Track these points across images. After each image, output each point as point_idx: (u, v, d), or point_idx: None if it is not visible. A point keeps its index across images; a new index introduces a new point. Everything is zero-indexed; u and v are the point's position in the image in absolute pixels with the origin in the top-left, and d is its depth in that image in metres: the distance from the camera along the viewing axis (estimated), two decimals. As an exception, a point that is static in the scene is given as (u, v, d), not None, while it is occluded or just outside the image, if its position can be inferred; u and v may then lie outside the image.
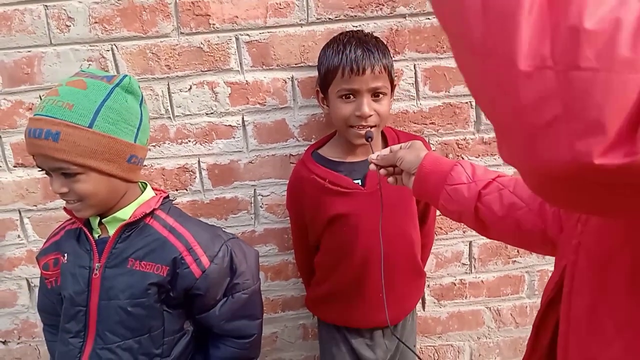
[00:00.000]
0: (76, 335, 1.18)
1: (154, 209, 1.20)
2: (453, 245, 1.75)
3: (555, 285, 0.78)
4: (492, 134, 1.62)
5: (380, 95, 1.36)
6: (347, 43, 1.34)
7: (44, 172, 1.13)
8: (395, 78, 1.49)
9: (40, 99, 1.52)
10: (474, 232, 1.67)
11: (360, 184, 1.42)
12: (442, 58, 1.55)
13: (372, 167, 1.15)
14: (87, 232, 1.17)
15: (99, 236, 1.20)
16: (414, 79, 1.57)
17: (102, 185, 1.12)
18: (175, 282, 1.18)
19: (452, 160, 1.06)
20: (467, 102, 1.60)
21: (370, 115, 1.34)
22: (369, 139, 1.32)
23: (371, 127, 1.35)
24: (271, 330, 1.81)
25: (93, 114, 1.08)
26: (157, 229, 1.19)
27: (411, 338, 1.63)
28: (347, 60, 1.32)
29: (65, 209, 1.21)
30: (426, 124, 1.61)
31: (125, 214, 1.17)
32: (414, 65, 1.55)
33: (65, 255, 1.19)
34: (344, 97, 1.35)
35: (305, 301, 1.65)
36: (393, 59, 1.51)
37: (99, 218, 1.19)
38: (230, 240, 1.26)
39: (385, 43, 1.50)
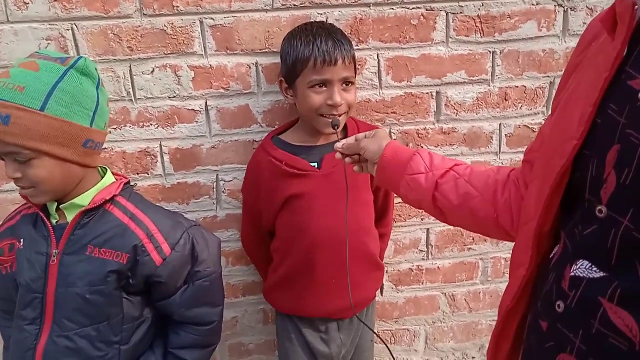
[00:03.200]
0: (32, 322, 1.16)
1: (115, 195, 1.19)
2: (411, 232, 1.79)
3: (514, 296, 0.83)
4: (451, 125, 1.67)
5: (350, 85, 1.40)
6: (317, 35, 1.37)
7: None
8: (359, 67, 1.52)
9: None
10: (431, 220, 1.75)
11: (316, 166, 1.45)
12: (404, 48, 1.58)
13: (338, 155, 1.19)
14: (45, 218, 1.15)
15: (57, 222, 1.18)
16: (377, 69, 1.59)
17: (57, 170, 1.10)
18: (136, 270, 1.17)
19: (411, 149, 1.10)
20: (427, 93, 1.64)
21: (342, 104, 1.38)
22: (336, 127, 1.36)
23: (341, 115, 1.39)
24: (232, 315, 1.82)
25: (45, 96, 1.06)
26: (117, 215, 1.18)
27: (369, 331, 1.63)
28: (319, 52, 1.35)
29: (21, 193, 1.18)
30: (388, 114, 1.64)
31: (85, 200, 1.16)
32: (377, 55, 1.58)
33: (22, 240, 1.17)
34: (316, 87, 1.38)
35: (262, 290, 1.67)
36: (357, 47, 1.54)
37: (56, 204, 1.17)
38: (192, 227, 1.27)
39: (350, 32, 1.53)
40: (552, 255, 0.77)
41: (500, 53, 1.62)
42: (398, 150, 1.09)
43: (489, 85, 1.65)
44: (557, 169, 0.70)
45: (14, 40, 1.45)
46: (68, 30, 1.46)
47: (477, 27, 1.58)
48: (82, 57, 1.13)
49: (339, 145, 1.18)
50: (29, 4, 1.43)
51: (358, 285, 1.51)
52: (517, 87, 1.66)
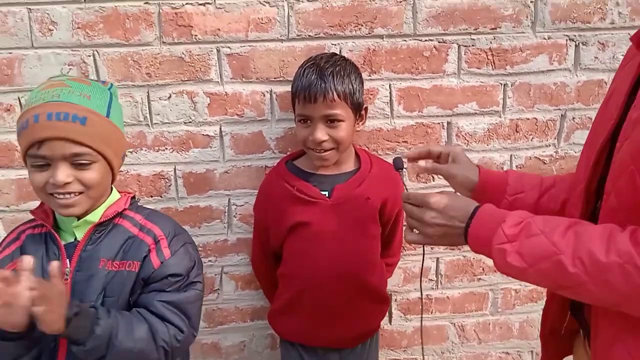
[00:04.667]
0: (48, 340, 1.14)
1: (125, 209, 1.21)
2: (419, 261, 1.79)
3: None
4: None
5: (336, 122, 1.37)
6: (307, 69, 1.38)
7: (37, 164, 1.08)
8: (365, 100, 1.52)
9: (19, 101, 1.53)
10: (441, 249, 1.75)
11: (327, 195, 1.46)
12: (416, 79, 1.61)
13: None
14: (57, 236, 1.16)
15: (66, 242, 1.17)
16: (388, 98, 1.62)
17: (105, 177, 1.16)
18: (140, 274, 1.18)
19: (501, 173, 1.23)
20: (439, 123, 1.65)
21: (324, 141, 1.37)
22: (400, 170, 1.23)
23: (326, 150, 1.39)
24: (239, 339, 1.83)
25: (107, 106, 1.14)
26: (127, 227, 1.20)
27: None
28: (301, 88, 1.36)
29: (35, 211, 1.20)
30: (399, 142, 1.66)
31: (95, 215, 1.17)
32: (389, 85, 1.61)
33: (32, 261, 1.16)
34: (301, 122, 1.40)
35: (267, 315, 1.66)
36: (369, 78, 1.57)
37: (76, 219, 1.17)
38: (192, 244, 1.28)
39: (363, 62, 1.55)
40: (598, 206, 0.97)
41: (512, 85, 1.64)
42: (490, 175, 1.22)
43: (500, 117, 1.66)
44: (601, 140, 0.94)
45: (37, 65, 1.51)
46: (89, 56, 1.51)
47: (488, 59, 1.60)
48: (112, 84, 1.21)
49: (421, 163, 1.25)
50: (52, 30, 1.48)
51: (361, 317, 1.52)
52: (528, 119, 1.68)
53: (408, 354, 1.91)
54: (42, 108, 1.06)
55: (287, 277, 1.53)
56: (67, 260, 1.15)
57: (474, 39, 1.58)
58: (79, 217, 1.16)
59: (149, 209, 1.31)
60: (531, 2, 1.57)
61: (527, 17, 1.57)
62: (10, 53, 1.49)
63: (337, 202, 1.45)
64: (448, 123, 1.66)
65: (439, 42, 1.58)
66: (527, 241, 0.88)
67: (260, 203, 1.59)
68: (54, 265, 1.00)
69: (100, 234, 1.17)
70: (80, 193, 1.11)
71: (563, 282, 0.85)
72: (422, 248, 1.27)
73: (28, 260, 0.98)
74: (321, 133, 1.36)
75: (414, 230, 1.06)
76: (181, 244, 1.23)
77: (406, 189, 1.13)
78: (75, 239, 1.17)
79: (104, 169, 1.14)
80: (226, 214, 1.69)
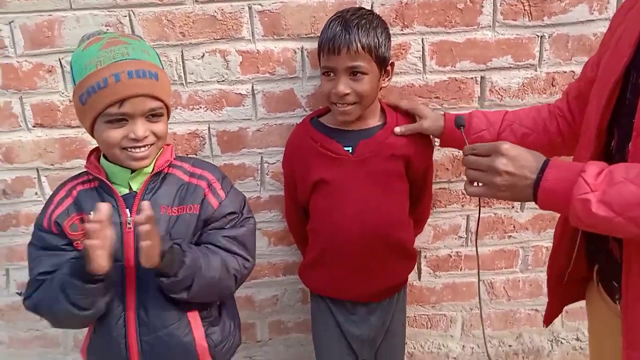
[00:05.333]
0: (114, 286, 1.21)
1: (172, 159, 1.27)
2: (451, 218, 1.80)
3: None
4: (495, 110, 1.64)
5: (359, 75, 1.36)
6: (333, 21, 1.37)
7: (113, 121, 1.12)
8: (397, 55, 1.52)
9: (60, 62, 1.58)
10: (472, 206, 1.76)
11: (350, 151, 1.46)
12: (450, 33, 1.58)
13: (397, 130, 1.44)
14: (113, 188, 1.20)
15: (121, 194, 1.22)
16: (421, 53, 1.60)
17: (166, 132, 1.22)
18: (200, 216, 1.25)
19: (464, 114, 1.37)
20: (472, 78, 1.63)
21: (346, 94, 1.36)
22: (461, 127, 1.26)
23: (349, 104, 1.38)
24: (272, 293, 1.89)
25: (159, 59, 1.20)
26: (178, 175, 1.26)
27: (401, 315, 1.66)
28: (326, 40, 1.36)
29: (89, 167, 1.22)
30: (431, 98, 1.65)
31: (148, 168, 1.22)
32: (422, 39, 1.59)
33: (92, 213, 1.18)
34: (325, 74, 1.40)
35: (298, 269, 1.71)
36: (401, 32, 1.55)
37: (130, 172, 1.21)
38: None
39: (395, 16, 1.54)
40: (611, 146, 1.01)
41: (549, 37, 1.59)
42: (452, 116, 1.40)
43: (536, 70, 1.63)
44: (612, 79, 0.96)
45: (75, 27, 1.55)
46: (125, 16, 1.54)
47: (525, 10, 1.56)
48: None
49: (397, 130, 1.45)
50: (90, -9, 1.52)
51: (387, 272, 1.54)
52: (566, 72, 1.64)
53: (437, 309, 1.94)
54: (119, 67, 1.09)
55: (314, 232, 1.56)
56: (127, 210, 1.19)
57: (509, -10, 1.54)
58: (133, 170, 1.21)
59: (191, 157, 1.39)
60: (568, -49, 1.51)
61: (565, -35, 1.53)
62: (50, 15, 1.54)
63: (361, 158, 1.44)
64: (482, 78, 1.63)
65: (473, -7, 1.54)
66: (612, 189, 0.86)
67: (287, 158, 1.61)
68: (146, 204, 1.05)
69: (155, 183, 1.22)
70: (151, 145, 1.16)
71: None
72: (478, 201, 1.37)
73: (107, 207, 1.04)
74: (344, 86, 1.35)
75: (475, 183, 1.05)
76: (230, 185, 1.32)
77: (466, 144, 1.10)
78: (131, 190, 1.22)
79: (166, 120, 1.20)
80: (259, 171, 1.73)
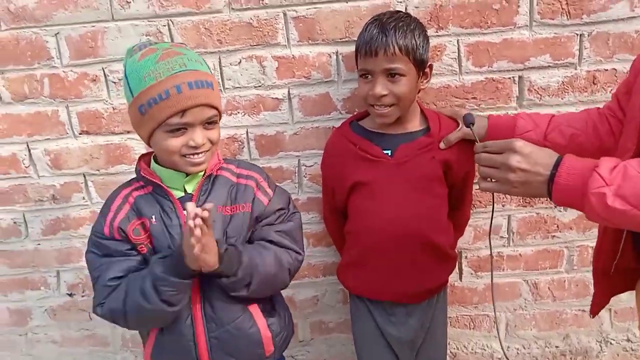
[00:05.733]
0: None
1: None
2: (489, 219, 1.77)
3: None
4: (534, 109, 1.62)
5: (397, 76, 1.36)
6: (371, 24, 1.37)
7: (174, 131, 1.15)
8: (432, 57, 1.51)
9: (104, 71, 1.64)
10: (513, 206, 1.74)
11: (389, 154, 1.46)
12: (485, 34, 1.56)
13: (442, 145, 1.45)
14: (171, 192, 1.24)
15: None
16: (456, 54, 1.59)
17: None
18: (252, 214, 1.30)
19: (511, 116, 1.41)
20: (509, 78, 1.61)
21: (384, 96, 1.37)
22: (470, 125, 1.33)
23: (387, 106, 1.38)
24: (312, 294, 1.91)
25: (209, 69, 1.23)
26: (227, 177, 1.30)
27: (441, 316, 1.65)
28: (363, 42, 1.36)
29: (145, 173, 1.24)
30: (468, 99, 1.63)
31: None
32: (457, 41, 1.57)
33: (153, 217, 1.24)
34: (363, 77, 1.41)
35: (336, 270, 1.71)
36: (436, 34, 1.54)
37: (185, 175, 1.25)
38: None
39: (429, 19, 1.53)
40: None
41: (588, 35, 1.55)
42: (500, 119, 1.43)
43: (576, 69, 1.59)
44: None
45: (117, 37, 1.60)
46: (164, 26, 1.59)
47: (563, 9, 1.53)
48: None
49: (442, 145, 1.45)
50: (130, 2, 1.57)
51: (426, 274, 1.53)
52: (607, 70, 1.59)
53: (479, 310, 1.92)
54: (179, 78, 1.12)
55: (352, 234, 1.57)
56: (184, 212, 1.20)
57: (547, -12, 1.51)
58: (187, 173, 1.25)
59: (234, 159, 1.44)
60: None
61: (606, -39, 1.48)
62: (93, 26, 1.60)
63: (400, 161, 1.45)
64: (519, 77, 1.61)
65: (509, -7, 1.52)
66: (627, 183, 0.87)
67: (325, 161, 1.63)
68: (210, 206, 1.08)
69: (207, 185, 1.26)
70: (206, 151, 1.20)
71: None
72: (492, 201, 1.35)
73: (213, 205, 1.08)
74: (381, 87, 1.36)
75: (489, 179, 1.08)
76: (274, 183, 1.37)
77: (477, 142, 1.14)
78: (186, 192, 1.26)
79: (219, 126, 1.24)
80: (296, 174, 1.75)
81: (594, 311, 1.32)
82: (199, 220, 1.04)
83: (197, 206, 1.15)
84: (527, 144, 1.03)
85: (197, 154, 1.19)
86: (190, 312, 1.24)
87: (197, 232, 1.03)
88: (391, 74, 1.36)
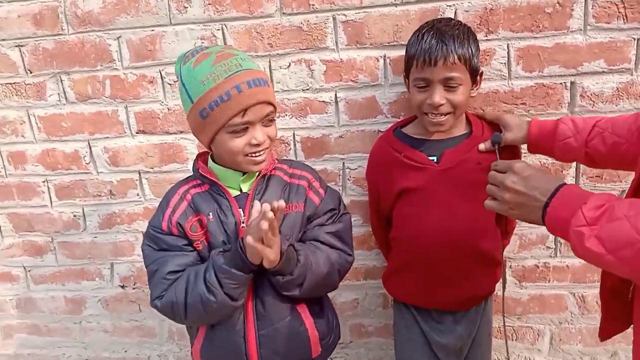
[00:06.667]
0: None
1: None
2: (538, 227, 1.71)
3: None
4: (587, 116, 1.57)
5: (455, 85, 1.36)
6: (426, 33, 1.36)
7: (237, 130, 1.18)
8: (481, 61, 1.50)
9: (161, 73, 1.72)
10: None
11: (435, 161, 1.46)
12: (537, 37, 1.54)
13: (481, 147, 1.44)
14: (227, 191, 1.27)
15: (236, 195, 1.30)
16: (506, 59, 1.57)
17: None
18: (305, 213, 1.32)
19: (553, 120, 1.37)
20: (561, 83, 1.58)
21: (442, 105, 1.36)
22: (496, 144, 1.39)
23: (443, 114, 1.38)
24: (353, 297, 1.92)
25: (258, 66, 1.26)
26: (281, 176, 1.33)
27: (486, 325, 1.63)
28: (420, 51, 1.35)
29: (203, 172, 1.27)
30: (517, 104, 1.61)
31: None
32: (507, 45, 1.56)
33: (210, 214, 1.26)
34: (418, 86, 1.40)
35: (382, 277, 1.71)
36: (485, 38, 1.53)
37: (241, 174, 1.28)
38: None
39: (479, 22, 1.52)
40: None
41: (646, 40, 1.51)
42: (541, 124, 1.39)
43: (632, 75, 1.54)
44: None
45: (175, 40, 1.68)
46: (218, 30, 1.65)
47: (619, 12, 1.49)
48: None
49: (481, 147, 1.43)
50: (187, 7, 1.64)
51: (473, 281, 1.51)
52: (666, 76, 1.54)
53: (522, 321, 1.87)
54: (237, 79, 1.15)
55: (398, 240, 1.58)
56: (240, 210, 1.26)
57: (602, -9, 1.48)
58: (243, 172, 1.28)
59: (287, 159, 1.47)
60: (671, -54, 1.42)
61: (665, -37, 1.43)
62: (152, 30, 1.68)
63: (446, 167, 1.44)
64: (571, 83, 1.57)
65: (562, -3, 1.50)
66: (609, 226, 0.83)
67: (370, 169, 1.64)
68: (280, 203, 1.11)
69: (261, 184, 1.29)
70: (267, 148, 1.24)
71: None
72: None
73: (282, 203, 1.11)
74: (439, 96, 1.35)
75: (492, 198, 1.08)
76: (325, 183, 1.39)
77: (497, 160, 1.16)
78: (241, 191, 1.29)
79: (275, 123, 1.28)
80: (341, 177, 1.77)
81: (603, 335, 1.21)
82: (271, 214, 1.06)
83: (252, 203, 1.20)
84: (528, 167, 1.02)
85: (259, 152, 1.22)
86: (242, 308, 1.26)
87: (265, 225, 1.06)
88: (449, 84, 1.35)
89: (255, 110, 1.17)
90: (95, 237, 1.97)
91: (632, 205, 0.84)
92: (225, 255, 1.19)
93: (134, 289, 2.02)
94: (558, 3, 1.50)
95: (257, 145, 1.20)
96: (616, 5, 1.48)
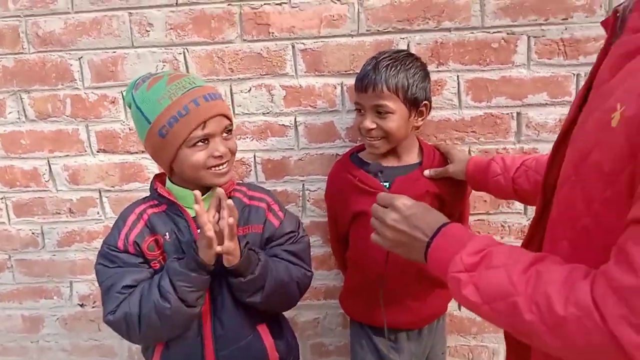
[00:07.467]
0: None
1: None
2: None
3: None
4: (532, 145, 1.67)
5: (385, 113, 1.41)
6: (369, 61, 1.44)
7: (198, 144, 1.20)
8: (433, 91, 1.56)
9: (122, 94, 1.74)
10: (512, 237, 1.76)
11: (386, 186, 1.51)
12: (485, 70, 1.62)
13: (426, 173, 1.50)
14: (185, 210, 1.28)
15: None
16: (456, 89, 1.65)
17: None
18: (263, 235, 1.35)
19: (488, 158, 1.44)
20: (508, 114, 1.66)
21: (372, 129, 1.43)
22: (377, 174, 1.38)
23: (376, 139, 1.44)
24: (313, 316, 1.96)
25: None
26: (241, 198, 1.35)
27: (440, 343, 1.68)
28: (358, 78, 1.44)
29: (161, 192, 1.27)
30: (467, 132, 1.68)
31: (216, 189, 1.30)
32: (457, 76, 1.63)
33: (167, 234, 1.26)
34: (357, 110, 1.48)
35: (339, 296, 1.76)
36: (436, 69, 1.60)
37: (200, 194, 1.27)
38: None
39: (430, 55, 1.59)
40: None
41: (585, 75, 1.60)
42: (477, 161, 1.46)
43: (573, 107, 1.63)
44: (559, 136, 0.88)
45: (136, 62, 1.70)
46: (180, 54, 1.68)
47: (559, 49, 1.58)
48: None
49: (426, 173, 1.50)
50: (149, 31, 1.67)
51: (424, 302, 1.56)
52: (604, 109, 1.62)
53: (478, 340, 1.93)
54: (193, 94, 1.19)
55: (352, 261, 1.62)
56: (198, 230, 1.22)
57: (544, 30, 1.56)
58: (204, 192, 1.27)
59: (245, 182, 1.50)
60: (605, -10, 1.52)
61: (600, 6, 1.53)
62: (114, 52, 1.70)
63: (397, 193, 1.48)
64: (517, 113, 1.65)
65: (507, 34, 1.58)
66: (486, 273, 0.78)
67: (328, 192, 1.69)
68: (230, 202, 1.15)
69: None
70: (228, 161, 1.26)
71: (518, 326, 0.74)
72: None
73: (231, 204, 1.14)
74: (369, 121, 1.42)
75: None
76: (284, 207, 1.42)
77: (384, 192, 1.10)
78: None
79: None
80: (300, 198, 1.81)
81: None
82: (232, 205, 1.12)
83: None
84: (413, 204, 0.97)
85: (222, 164, 1.24)
86: (199, 329, 1.27)
87: (231, 220, 1.12)
88: (379, 110, 1.42)
89: (214, 122, 1.20)
90: (54, 255, 1.96)
91: (511, 253, 0.80)
92: (180, 260, 1.19)
93: (93, 307, 2.01)
94: (503, 39, 1.59)
95: (220, 157, 1.22)
96: (556, 43, 1.58)
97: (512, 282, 0.74)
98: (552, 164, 0.88)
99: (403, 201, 0.97)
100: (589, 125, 0.73)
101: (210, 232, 1.11)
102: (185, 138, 1.19)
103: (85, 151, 1.82)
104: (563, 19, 1.55)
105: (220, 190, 1.19)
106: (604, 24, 0.84)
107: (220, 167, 1.24)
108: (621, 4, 0.79)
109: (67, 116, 1.79)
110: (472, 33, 1.59)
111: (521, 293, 0.72)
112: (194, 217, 1.26)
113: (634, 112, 0.63)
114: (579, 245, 0.75)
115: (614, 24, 0.79)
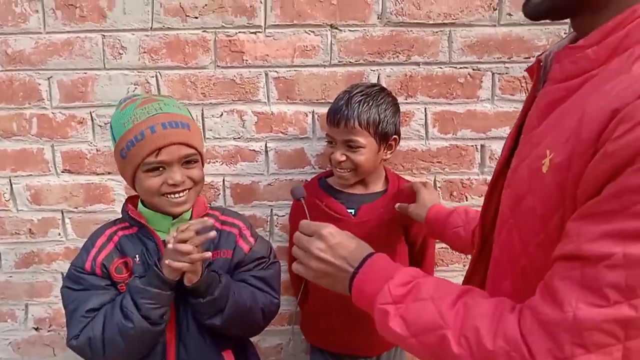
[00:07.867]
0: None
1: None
2: (453, 277, 1.85)
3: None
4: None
5: (356, 147, 1.45)
6: (342, 95, 1.47)
7: (152, 170, 1.20)
8: (401, 122, 1.61)
9: (91, 115, 1.72)
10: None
11: (352, 213, 1.54)
12: (451, 104, 1.69)
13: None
14: (156, 234, 1.27)
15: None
16: (424, 121, 1.70)
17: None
18: (232, 260, 1.33)
19: (450, 209, 1.40)
20: (472, 146, 1.72)
21: (342, 162, 1.47)
22: (301, 199, 1.23)
23: (346, 170, 1.48)
24: (277, 342, 1.95)
25: (190, 115, 1.30)
26: (213, 223, 1.33)
27: None
28: (330, 111, 1.48)
29: (132, 214, 1.27)
30: (433, 162, 1.74)
31: (187, 214, 1.31)
32: (425, 109, 1.69)
33: (137, 257, 1.26)
34: (328, 142, 1.52)
35: (300, 323, 1.76)
36: (405, 101, 1.66)
37: (171, 219, 1.29)
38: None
39: (400, 87, 1.65)
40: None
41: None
42: (439, 210, 1.42)
43: (533, 141, 1.71)
44: (493, 179, 0.90)
45: (107, 84, 1.69)
46: (153, 77, 1.69)
47: (522, 86, 1.66)
48: None
49: (396, 206, 1.50)
50: (122, 54, 1.67)
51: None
52: (562, 144, 1.71)
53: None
54: (153, 120, 1.19)
55: (313, 287, 1.63)
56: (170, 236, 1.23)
57: (507, 67, 1.65)
58: (174, 217, 1.28)
59: (219, 207, 1.49)
60: (564, 33, 1.61)
61: (559, 47, 1.62)
62: (85, 73, 1.69)
63: (362, 220, 1.52)
64: (482, 146, 1.72)
65: (473, 70, 1.65)
66: (414, 306, 0.78)
67: (293, 214, 1.71)
68: (205, 220, 1.16)
69: None
70: (189, 189, 1.25)
71: (445, 359, 0.73)
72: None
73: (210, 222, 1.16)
74: (339, 154, 1.46)
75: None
76: (256, 232, 1.41)
77: (308, 218, 1.04)
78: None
79: (201, 166, 1.30)
80: (268, 223, 1.82)
81: None
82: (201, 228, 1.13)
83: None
84: (338, 233, 0.94)
85: (177, 192, 1.23)
86: (163, 353, 1.26)
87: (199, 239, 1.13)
88: (350, 144, 1.45)
89: (169, 150, 1.19)
90: (11, 276, 1.89)
91: (438, 285, 0.80)
92: (142, 278, 1.19)
93: (49, 331, 1.95)
94: (469, 75, 1.66)
95: (174, 185, 1.21)
96: (519, 80, 1.66)
97: (441, 315, 0.74)
98: (489, 204, 0.90)
99: (329, 230, 0.94)
100: (521, 170, 0.76)
101: (177, 246, 1.12)
102: (139, 163, 1.20)
103: (50, 171, 1.78)
104: (525, 58, 1.64)
105: (195, 221, 1.19)
106: (529, 71, 0.86)
107: (176, 196, 1.23)
108: (543, 52, 0.83)
109: (33, 135, 1.75)
110: (440, 68, 1.65)
111: (450, 326, 0.72)
112: (163, 240, 1.26)
113: (562, 158, 0.66)
114: (519, 285, 0.76)
115: (538, 72, 0.83)
